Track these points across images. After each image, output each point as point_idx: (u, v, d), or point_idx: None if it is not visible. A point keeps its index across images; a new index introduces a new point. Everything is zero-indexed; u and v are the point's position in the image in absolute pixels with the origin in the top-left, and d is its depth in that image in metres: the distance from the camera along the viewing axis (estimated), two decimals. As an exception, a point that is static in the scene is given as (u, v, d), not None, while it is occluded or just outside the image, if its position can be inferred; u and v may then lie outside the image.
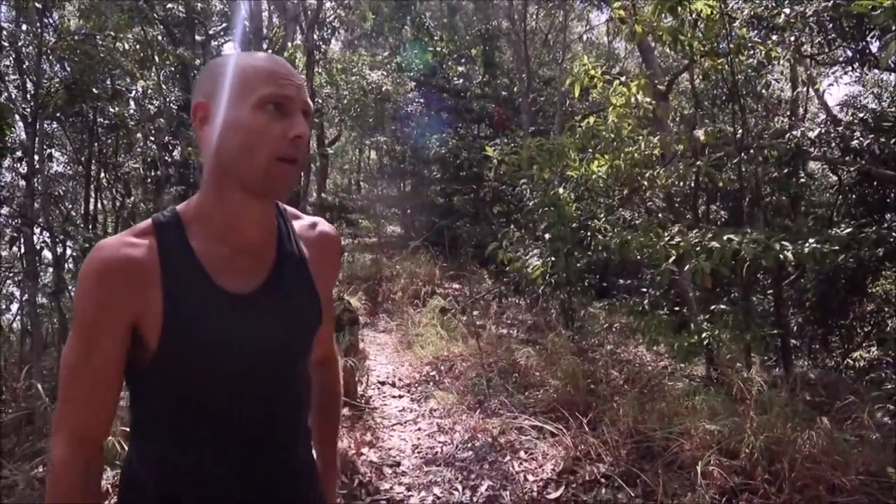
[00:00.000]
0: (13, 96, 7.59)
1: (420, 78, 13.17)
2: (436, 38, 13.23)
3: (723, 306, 5.27)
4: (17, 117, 6.96)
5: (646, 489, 3.39)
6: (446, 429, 4.45)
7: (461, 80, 13.55)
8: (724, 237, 4.67)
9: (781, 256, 4.39)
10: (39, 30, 5.90)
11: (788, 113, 9.49)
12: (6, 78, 8.36)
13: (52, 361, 7.12)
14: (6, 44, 5.90)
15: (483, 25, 12.89)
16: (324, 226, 1.33)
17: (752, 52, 5.82)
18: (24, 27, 7.43)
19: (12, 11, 7.86)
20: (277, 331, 1.16)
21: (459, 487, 3.58)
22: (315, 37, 11.11)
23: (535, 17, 13.38)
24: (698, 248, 4.74)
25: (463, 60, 13.48)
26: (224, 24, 12.03)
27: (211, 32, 11.91)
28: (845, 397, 5.17)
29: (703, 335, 4.77)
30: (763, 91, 8.84)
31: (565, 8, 12.27)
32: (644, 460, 3.71)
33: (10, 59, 8.23)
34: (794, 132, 6.38)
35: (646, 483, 3.41)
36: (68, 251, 6.52)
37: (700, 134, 5.27)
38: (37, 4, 5.45)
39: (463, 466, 3.90)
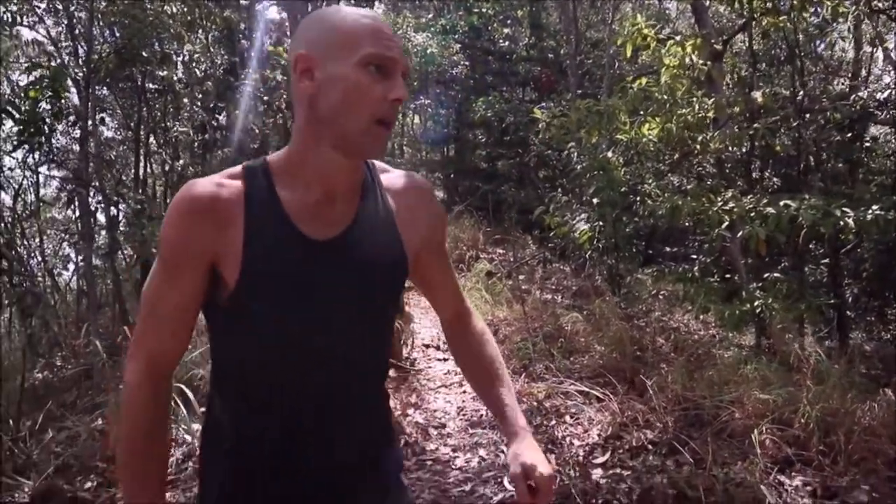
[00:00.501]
0: (66, 62, 7.73)
1: (465, 40, 12.92)
2: (481, -1, 12.99)
3: (776, 275, 5.12)
4: (69, 82, 7.10)
5: (695, 456, 3.34)
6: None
7: (507, 43, 13.27)
8: (781, 203, 4.52)
9: (841, 223, 4.24)
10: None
11: (850, 74, 9.05)
12: (59, 44, 8.52)
13: (107, 321, 7.37)
14: (60, 7, 6.01)
15: (529, -14, 12.61)
16: (413, 177, 1.29)
17: (815, 9, 5.52)
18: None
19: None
20: (355, 277, 1.14)
21: (505, 450, 3.59)
22: (359, -1, 11.01)
23: (582, -24, 12.99)
24: (753, 214, 4.60)
25: (509, 22, 13.18)
26: (269, -12, 11.99)
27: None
28: (903, 370, 5.02)
29: (756, 304, 4.65)
30: (825, 52, 8.44)
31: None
32: (693, 428, 3.66)
33: (63, 25, 8.38)
34: (860, 93, 6.07)
35: (695, 450, 3.36)
36: (120, 214, 6.67)
37: (757, 96, 5.08)
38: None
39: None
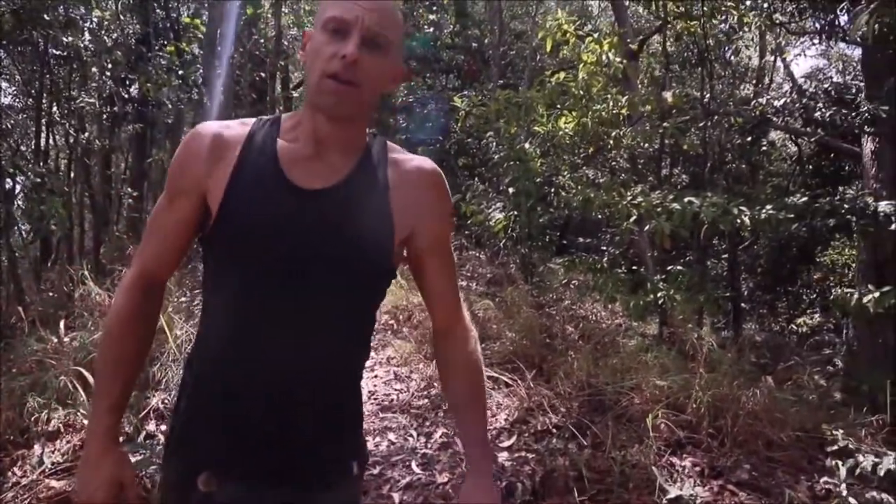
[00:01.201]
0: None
1: (389, 25, 12.80)
2: (407, -17, 12.91)
3: (679, 268, 5.39)
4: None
5: (595, 440, 3.49)
6: (403, 377, 4.50)
7: (431, 29, 13.28)
8: (685, 199, 4.75)
9: (738, 221, 4.50)
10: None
11: (755, 81, 9.58)
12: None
13: (1, 301, 6.94)
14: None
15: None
16: (425, 165, 1.28)
17: (724, 17, 5.82)
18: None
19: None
20: (334, 231, 1.16)
21: (414, 434, 3.64)
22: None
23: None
24: (659, 209, 4.82)
25: (434, 9, 13.17)
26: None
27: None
28: (788, 360, 5.40)
29: (659, 294, 4.88)
30: (732, 57, 8.89)
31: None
32: (595, 413, 3.82)
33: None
34: (760, 100, 6.45)
35: (595, 434, 3.51)
36: (17, 187, 6.28)
37: (668, 96, 5.31)
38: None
39: (418, 414, 3.97)
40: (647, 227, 5.09)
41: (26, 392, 3.68)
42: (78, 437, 3.47)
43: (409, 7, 12.84)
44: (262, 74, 8.53)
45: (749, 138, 6.52)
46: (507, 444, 3.60)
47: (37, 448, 3.37)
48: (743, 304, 6.52)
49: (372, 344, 1.39)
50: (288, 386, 1.18)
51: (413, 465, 3.33)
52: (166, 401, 3.84)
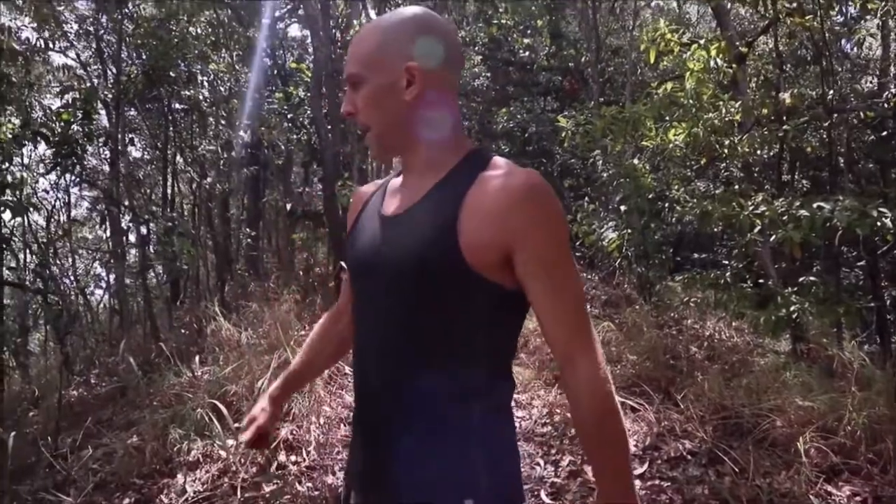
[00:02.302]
0: (96, 84, 7.88)
1: (485, 52, 12.96)
2: (500, 10, 12.99)
3: (812, 278, 5.02)
4: (99, 104, 7.23)
5: (736, 466, 3.27)
6: (524, 404, 4.42)
7: (527, 53, 13.26)
8: (815, 205, 4.43)
9: (878, 224, 4.13)
10: (120, 16, 6.08)
11: (878, 72, 8.89)
12: (88, 68, 8.69)
13: (139, 338, 7.45)
14: (91, 30, 6.13)
15: (548, -4, 12.60)
16: (515, 177, 1.14)
17: (841, 7, 5.45)
18: (103, 18, 7.66)
19: (91, 3, 8.13)
20: (393, 252, 1.20)
21: (541, 462, 3.55)
22: (377, 13, 11.09)
23: (601, -16, 12.95)
24: (786, 218, 4.51)
25: (529, 32, 13.18)
26: (290, 5, 12.14)
27: (277, 14, 12.04)
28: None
29: (791, 308, 4.55)
30: (854, 49, 8.30)
31: (635, -28, 11.84)
32: (732, 437, 3.59)
33: (92, 49, 8.55)
34: (892, 90, 5.96)
35: (735, 460, 3.29)
36: (151, 232, 6.76)
37: (786, 96, 5.00)
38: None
39: (543, 441, 3.87)
40: (772, 238, 4.78)
41: (168, 424, 3.90)
42: (216, 466, 3.63)
43: (502, 34, 12.95)
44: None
45: (883, 133, 6.01)
46: (639, 471, 3.44)
47: (179, 477, 3.55)
48: (888, 316, 5.96)
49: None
50: (376, 407, 1.24)
51: (542, 494, 3.23)
52: (294, 432, 3.95)
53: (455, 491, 1.13)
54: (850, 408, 3.20)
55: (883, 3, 4.68)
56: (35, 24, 7.89)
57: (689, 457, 3.50)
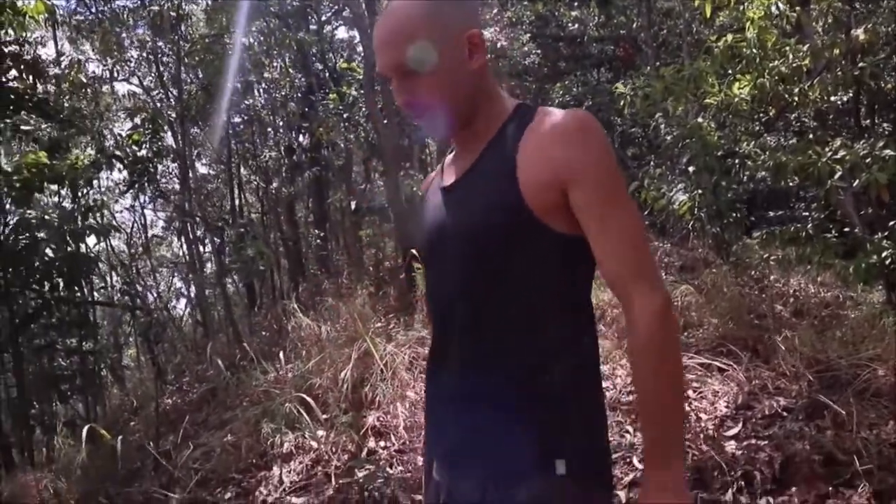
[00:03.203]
0: (160, 107, 8.22)
1: (533, 30, 12.78)
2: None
3: (903, 222, 4.73)
4: (164, 125, 7.54)
5: (836, 420, 3.13)
6: (607, 374, 4.34)
7: (576, 25, 13.01)
8: (900, 144, 4.18)
9: (975, 155, 3.87)
10: (176, 37, 6.31)
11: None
12: (151, 92, 9.08)
13: (223, 345, 7.75)
14: (152, 56, 6.39)
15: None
16: (564, 115, 1.14)
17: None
18: (159, 43, 7.96)
19: (148, 30, 8.48)
20: (455, 216, 1.21)
21: (630, 429, 3.48)
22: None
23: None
24: (869, 160, 4.27)
25: (576, 4, 12.92)
26: (335, 8, 12.32)
27: (323, 19, 12.24)
28: None
29: (884, 255, 4.30)
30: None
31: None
32: (830, 391, 3.42)
33: (153, 74, 8.92)
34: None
35: (836, 413, 3.14)
36: (225, 241, 7.01)
37: (859, 33, 4.71)
38: (171, 14, 5.82)
39: (629, 410, 3.79)
40: (855, 183, 4.53)
41: (259, 420, 4.04)
42: (308, 457, 3.73)
43: (549, 10, 12.74)
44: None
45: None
46: (733, 432, 3.33)
47: (275, 469, 3.67)
48: None
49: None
50: (458, 372, 1.21)
51: (634, 460, 3.18)
52: (381, 418, 4.02)
53: (545, 453, 1.11)
54: (960, 348, 3.00)
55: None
56: (99, 56, 8.29)
57: (784, 413, 3.37)
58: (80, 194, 5.56)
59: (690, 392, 3.87)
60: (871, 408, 3.15)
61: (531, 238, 1.11)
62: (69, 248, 5.36)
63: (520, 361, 1.14)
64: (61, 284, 5.63)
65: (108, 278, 9.07)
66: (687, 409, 3.70)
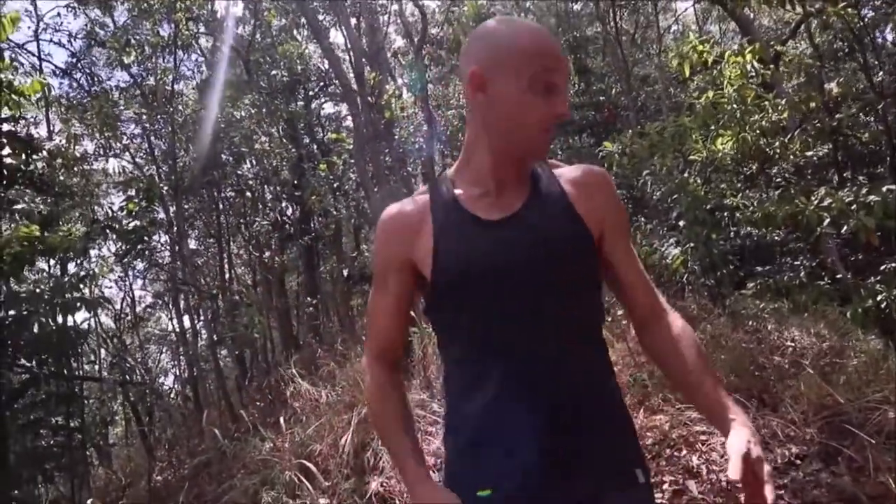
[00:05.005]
0: (154, 179, 8.29)
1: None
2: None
3: (894, 265, 4.80)
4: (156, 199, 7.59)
5: (852, 465, 3.08)
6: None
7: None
8: (884, 188, 4.29)
9: (957, 198, 3.97)
10: (171, 109, 6.43)
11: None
12: (143, 168, 9.18)
13: (215, 417, 7.56)
14: (146, 127, 6.50)
15: (571, 34, 12.78)
16: (589, 167, 1.35)
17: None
18: (157, 117, 8.08)
19: (134, 106, 8.64)
20: (528, 250, 1.20)
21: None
22: (407, 80, 11.45)
23: (619, 17, 13.13)
24: (854, 206, 4.37)
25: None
26: (322, 84, 12.65)
27: (311, 94, 12.56)
28: None
29: (879, 297, 4.34)
30: (888, 35, 8.15)
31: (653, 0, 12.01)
32: (842, 435, 3.38)
33: (144, 149, 9.04)
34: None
35: (850, 458, 3.10)
36: (220, 310, 6.95)
37: (833, 86, 4.91)
38: (166, 89, 5.95)
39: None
40: (844, 229, 4.62)
41: (259, 489, 3.91)
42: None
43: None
44: (409, 169, 9.11)
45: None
46: (747, 482, 3.26)
47: (276, 541, 3.52)
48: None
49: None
50: (553, 399, 1.19)
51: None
52: (384, 484, 3.90)
53: (632, 462, 1.25)
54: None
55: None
56: (89, 132, 8.40)
57: (797, 461, 3.32)
58: (71, 266, 5.53)
59: (699, 445, 3.81)
60: (887, 451, 3.11)
61: (595, 263, 1.27)
62: (59, 322, 5.27)
63: (603, 378, 1.27)
64: (49, 359, 5.51)
65: (97, 353, 8.91)
66: (697, 461, 3.64)
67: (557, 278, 1.21)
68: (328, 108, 14.20)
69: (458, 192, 1.27)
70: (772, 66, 5.71)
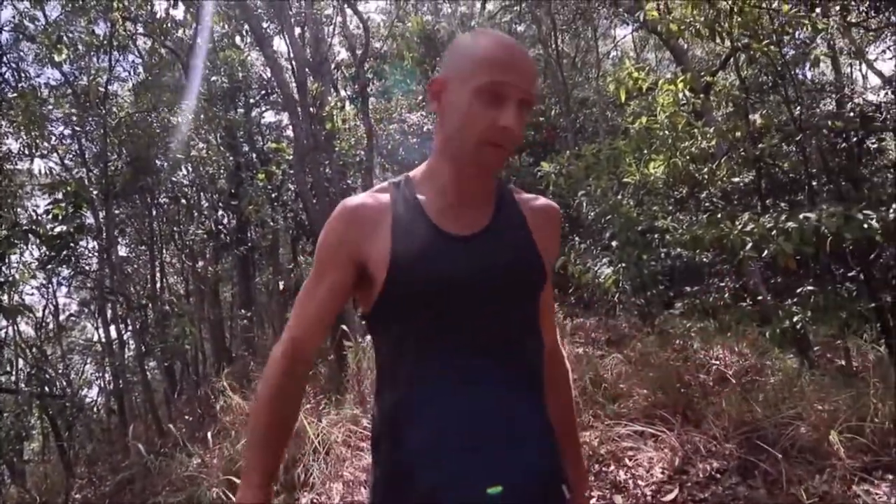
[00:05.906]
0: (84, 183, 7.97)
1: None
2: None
3: (809, 288, 5.07)
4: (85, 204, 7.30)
5: (767, 478, 3.23)
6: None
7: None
8: (801, 216, 4.53)
9: (866, 226, 4.22)
10: (104, 111, 6.22)
11: (835, 93, 9.26)
12: (72, 171, 8.81)
13: (141, 432, 7.29)
14: (76, 129, 6.25)
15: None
16: (547, 201, 1.40)
17: (795, 31, 5.70)
18: (87, 118, 7.80)
19: (65, 105, 8.31)
20: (497, 270, 1.22)
21: (569, 498, 3.46)
22: (349, 92, 11.43)
23: (560, 41, 13.48)
24: (775, 232, 4.60)
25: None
26: (263, 92, 12.48)
27: (251, 101, 12.37)
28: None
29: (795, 319, 4.58)
30: (809, 72, 8.65)
31: (592, 25, 12.36)
32: (758, 450, 3.54)
33: (73, 150, 8.68)
34: (856, 100, 6.18)
35: (766, 472, 3.25)
36: (149, 320, 6.72)
37: (756, 117, 5.18)
38: (99, 90, 5.76)
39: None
40: (765, 253, 4.85)
41: (185, 508, 3.79)
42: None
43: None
44: (349, 182, 9.06)
45: (854, 139, 6.20)
46: (671, 497, 3.37)
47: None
48: (890, 316, 5.98)
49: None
50: (496, 414, 1.19)
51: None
52: (315, 500, 3.84)
53: (560, 478, 1.25)
54: (874, 399, 3.19)
55: (832, 22, 4.92)
56: (13, 130, 8.03)
57: (717, 475, 3.45)
58: (-11, 272, 5.25)
59: (626, 460, 3.91)
60: (798, 464, 3.27)
61: (542, 285, 1.31)
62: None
63: (541, 387, 1.28)
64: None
65: (14, 363, 8.46)
66: (624, 475, 3.73)
67: (513, 305, 1.25)
68: (269, 116, 14.05)
69: (420, 197, 1.26)
70: (702, 95, 5.97)
